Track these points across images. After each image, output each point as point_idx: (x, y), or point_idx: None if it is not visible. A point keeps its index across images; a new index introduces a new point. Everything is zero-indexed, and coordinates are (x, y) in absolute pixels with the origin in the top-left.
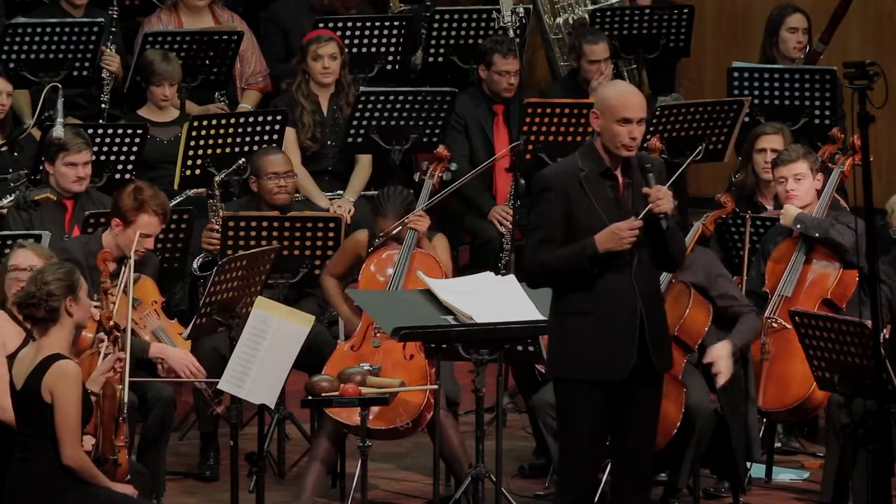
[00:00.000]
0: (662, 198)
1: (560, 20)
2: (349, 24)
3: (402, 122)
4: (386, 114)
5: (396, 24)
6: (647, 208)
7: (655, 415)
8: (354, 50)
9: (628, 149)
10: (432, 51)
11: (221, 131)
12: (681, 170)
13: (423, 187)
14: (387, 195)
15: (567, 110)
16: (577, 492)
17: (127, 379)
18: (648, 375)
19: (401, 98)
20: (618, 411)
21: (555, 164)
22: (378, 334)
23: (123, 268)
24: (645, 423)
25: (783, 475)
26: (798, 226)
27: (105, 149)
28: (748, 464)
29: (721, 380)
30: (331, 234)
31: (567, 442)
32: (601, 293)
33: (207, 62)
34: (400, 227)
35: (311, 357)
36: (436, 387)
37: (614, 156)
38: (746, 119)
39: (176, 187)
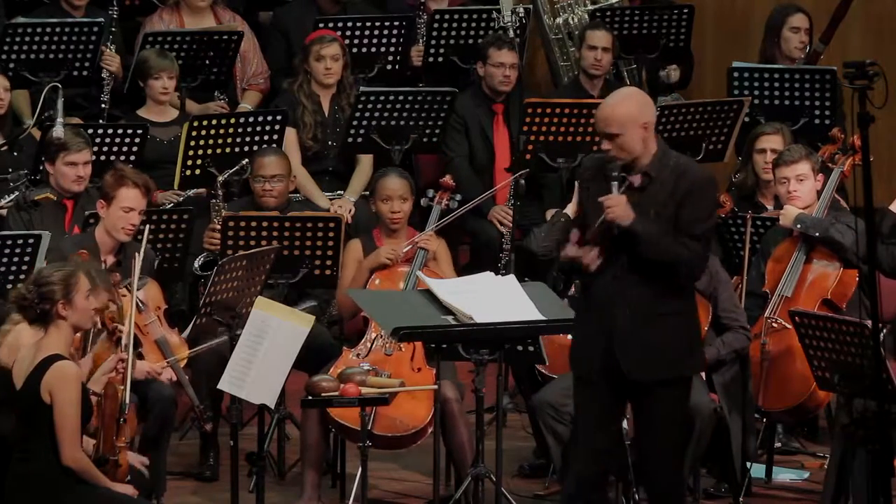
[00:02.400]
0: (614, 206)
1: (560, 20)
2: (349, 24)
3: (402, 122)
4: (386, 114)
5: (396, 24)
6: (601, 218)
7: (663, 425)
8: (354, 50)
9: (610, 160)
10: (432, 51)
11: (221, 131)
12: None
13: (431, 212)
14: (385, 171)
15: (567, 110)
16: (580, 473)
17: (129, 379)
18: (650, 382)
19: (401, 98)
20: (635, 414)
21: (598, 153)
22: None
23: (131, 266)
24: (650, 433)
25: (783, 475)
26: (798, 226)
27: (105, 149)
28: (748, 464)
29: None
30: (331, 234)
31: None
32: (589, 294)
33: (207, 62)
34: (410, 247)
35: (311, 357)
36: (435, 387)
37: None
38: (746, 119)
39: (176, 187)
